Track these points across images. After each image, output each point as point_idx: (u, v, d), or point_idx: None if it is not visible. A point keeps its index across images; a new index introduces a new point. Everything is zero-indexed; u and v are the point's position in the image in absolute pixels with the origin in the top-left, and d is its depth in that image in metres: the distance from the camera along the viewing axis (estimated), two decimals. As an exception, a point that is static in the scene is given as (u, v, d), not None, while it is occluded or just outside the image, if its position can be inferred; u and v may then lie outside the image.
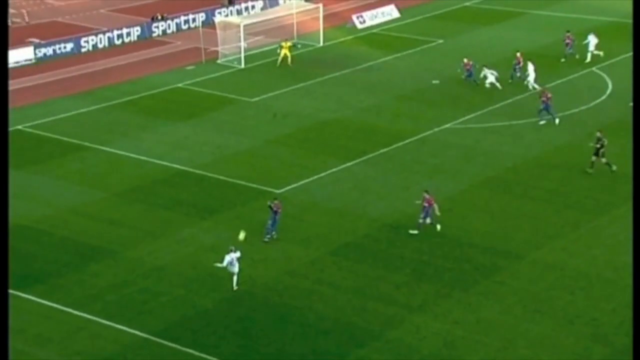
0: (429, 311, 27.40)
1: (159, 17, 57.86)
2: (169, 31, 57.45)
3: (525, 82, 45.63)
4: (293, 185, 36.02)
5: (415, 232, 31.45)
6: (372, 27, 58.57)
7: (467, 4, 63.90)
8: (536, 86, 44.92)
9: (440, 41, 55.43)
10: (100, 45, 54.18)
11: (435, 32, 56.95)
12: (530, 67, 45.64)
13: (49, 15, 59.51)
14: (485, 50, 52.69)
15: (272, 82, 48.26)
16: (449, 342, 25.85)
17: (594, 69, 49.10)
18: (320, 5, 55.68)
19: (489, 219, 33.15)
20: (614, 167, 35.90)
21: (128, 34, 55.74)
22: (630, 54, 50.91)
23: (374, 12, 60.04)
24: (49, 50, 52.28)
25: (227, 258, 28.14)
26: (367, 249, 31.04)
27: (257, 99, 46.04)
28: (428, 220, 31.39)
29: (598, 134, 36.44)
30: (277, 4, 61.38)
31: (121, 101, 45.70)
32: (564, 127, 41.41)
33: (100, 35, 54.50)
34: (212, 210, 33.84)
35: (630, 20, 58.04)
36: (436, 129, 41.44)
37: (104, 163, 38.30)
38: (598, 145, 36.03)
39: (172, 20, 57.86)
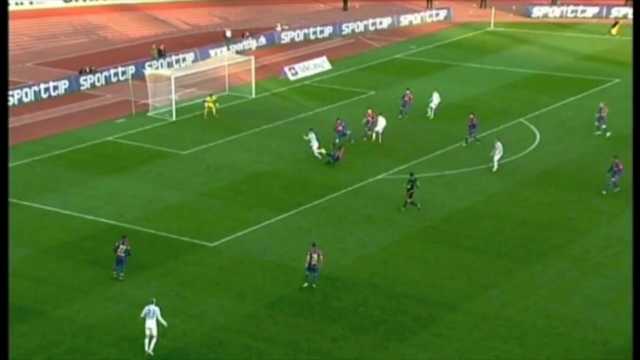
0: (366, 364, 27.44)
1: (88, 70, 57.61)
2: (98, 84, 57.20)
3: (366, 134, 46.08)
4: (227, 238, 35.93)
5: None
6: (304, 78, 59.34)
7: (398, 56, 65.29)
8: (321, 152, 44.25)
9: (372, 92, 56.42)
10: (26, 99, 53.59)
11: (367, 84, 57.97)
12: (381, 121, 46.10)
13: (-28, 68, 58.61)
14: (415, 102, 53.77)
15: (204, 134, 48.33)
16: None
17: (521, 119, 50.49)
18: (252, 58, 56.26)
19: (424, 269, 33.55)
20: (419, 206, 37.83)
21: (55, 87, 55.31)
22: (556, 105, 52.58)
23: (305, 64, 60.90)
24: (-28, 104, 51.40)
25: (145, 309, 27.57)
26: (303, 301, 31.04)
27: (189, 151, 46.01)
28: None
29: (411, 177, 38.28)
30: (208, 55, 61.79)
31: (48, 155, 45.15)
32: (496, 177, 42.37)
33: (26, 89, 53.95)
34: (143, 265, 33.49)
35: (554, 73, 60.14)
36: (370, 180, 41.96)
37: (30, 219, 37.64)
38: (409, 187, 37.86)
39: (101, 72, 57.66)
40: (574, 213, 38.20)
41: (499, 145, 42.36)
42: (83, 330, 29.10)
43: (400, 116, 48.58)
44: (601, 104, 47.37)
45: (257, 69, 56.44)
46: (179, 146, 46.52)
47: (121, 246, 32.09)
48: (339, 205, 39.27)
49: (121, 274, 32.10)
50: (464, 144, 45.60)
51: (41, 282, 32.14)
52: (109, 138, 47.84)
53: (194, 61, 61.32)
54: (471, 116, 46.06)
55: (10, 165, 43.57)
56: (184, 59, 61.95)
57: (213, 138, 47.67)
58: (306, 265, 31.47)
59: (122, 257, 32.08)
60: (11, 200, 39.19)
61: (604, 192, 39.65)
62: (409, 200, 38.09)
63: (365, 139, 46.35)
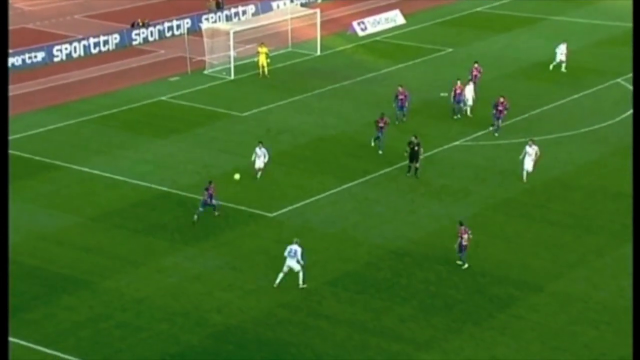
0: (438, 348, 27.40)
1: (140, 24, 58.20)
2: (150, 39, 57.77)
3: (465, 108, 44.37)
4: (288, 208, 36.10)
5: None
6: (374, 34, 58.93)
7: (479, 9, 64.31)
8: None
9: (450, 50, 55.75)
10: (74, 55, 54.47)
11: (445, 40, 57.29)
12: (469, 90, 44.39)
13: (18, 21, 59.83)
14: (498, 60, 52.98)
15: (265, 94, 48.49)
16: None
17: (619, 80, 49.34)
18: (318, 11, 56.05)
19: (504, 245, 33.23)
20: (417, 174, 37.77)
21: (106, 42, 56.05)
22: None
23: (376, 18, 60.42)
24: (17, 60, 52.54)
25: (287, 248, 29.86)
26: (369, 278, 31.07)
27: (248, 113, 46.24)
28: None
29: (413, 139, 37.77)
30: (270, 8, 61.82)
31: (98, 116, 45.87)
32: (587, 144, 41.58)
33: (75, 44, 54.80)
34: (198, 236, 33.90)
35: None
36: (445, 146, 41.59)
37: (78, 184, 38.38)
38: (408, 150, 37.61)
39: (154, 27, 58.20)
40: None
41: (531, 149, 37.25)
42: (133, 304, 29.68)
43: (397, 121, 43.31)
44: None
45: (322, 23, 56.24)
46: (238, 107, 46.79)
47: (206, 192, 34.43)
48: (408, 173, 39.03)
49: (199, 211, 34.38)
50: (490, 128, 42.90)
51: (89, 252, 32.83)
52: (163, 98, 48.38)
53: (254, 14, 61.44)
54: (501, 99, 41.87)
55: (56, 125, 44.48)
56: (243, 12, 62.10)
57: (274, 99, 47.79)
58: (456, 246, 31.29)
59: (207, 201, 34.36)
60: (58, 163, 40.04)
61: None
62: (413, 165, 37.82)
63: (458, 116, 44.44)
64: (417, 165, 38.08)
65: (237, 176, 35.92)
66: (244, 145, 42.17)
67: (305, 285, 30.13)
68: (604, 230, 34.08)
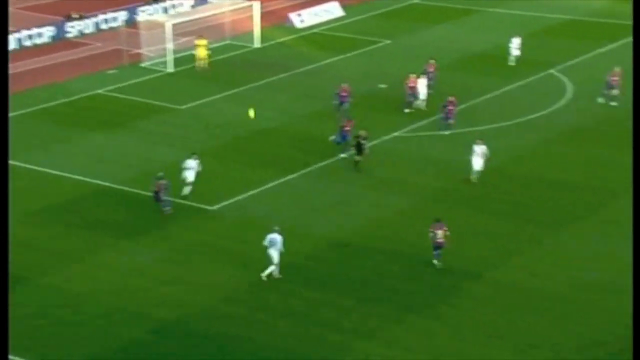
0: (379, 337, 27.54)
1: (75, 16, 57.32)
2: (86, 31, 56.97)
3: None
4: (229, 201, 35.94)
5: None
6: (313, 26, 58.91)
7: (416, 1, 64.72)
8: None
9: (388, 42, 56.00)
10: (8, 48, 53.41)
11: (382, 32, 57.53)
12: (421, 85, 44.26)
13: (-50, 14, 58.43)
14: (435, 52, 53.37)
15: (204, 87, 48.16)
16: (396, 371, 26.07)
17: (552, 71, 50.08)
18: (256, 3, 55.84)
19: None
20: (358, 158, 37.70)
21: (39, 35, 55.11)
22: (591, 54, 51.94)
23: (315, 9, 60.43)
24: (-50, 53, 51.37)
25: (268, 237, 29.80)
26: (311, 270, 31.09)
27: (187, 106, 45.89)
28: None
29: (361, 133, 37.70)
30: (207, 1, 61.36)
31: (34, 109, 45.12)
32: (524, 134, 42.12)
33: (8, 37, 53.75)
34: (138, 230, 33.57)
35: (590, 18, 59.46)
36: (384, 138, 41.78)
37: (15, 179, 37.68)
38: (355, 145, 37.43)
39: (90, 19, 57.38)
40: (607, 172, 38.01)
41: (478, 149, 36.75)
42: (72, 300, 29.28)
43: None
44: (617, 69, 44.75)
45: (262, 15, 56.03)
46: (176, 100, 46.40)
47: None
48: (349, 166, 39.14)
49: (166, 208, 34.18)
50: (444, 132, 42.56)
51: (26, 248, 32.29)
52: (99, 91, 47.75)
53: (192, 6, 60.92)
54: (450, 98, 41.80)
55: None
56: (181, 4, 61.53)
57: (213, 92, 47.50)
58: (432, 243, 30.96)
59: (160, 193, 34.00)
60: (-7, 159, 39.22)
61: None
62: (356, 159, 37.85)
63: (408, 110, 44.14)
64: (359, 158, 38.13)
65: (252, 113, 35.23)
66: (183, 138, 41.87)
67: (275, 275, 30.08)
68: (541, 219, 34.57)
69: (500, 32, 56.85)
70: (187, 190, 35.54)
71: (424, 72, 45.91)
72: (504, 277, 30.72)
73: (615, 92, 44.65)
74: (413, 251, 32.16)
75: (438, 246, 30.77)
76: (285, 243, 30.16)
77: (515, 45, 50.57)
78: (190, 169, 35.59)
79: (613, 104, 44.54)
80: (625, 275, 30.52)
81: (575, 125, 42.91)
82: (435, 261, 31.04)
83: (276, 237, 30.06)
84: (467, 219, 34.58)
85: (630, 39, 55.02)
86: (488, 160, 36.95)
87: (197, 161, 35.85)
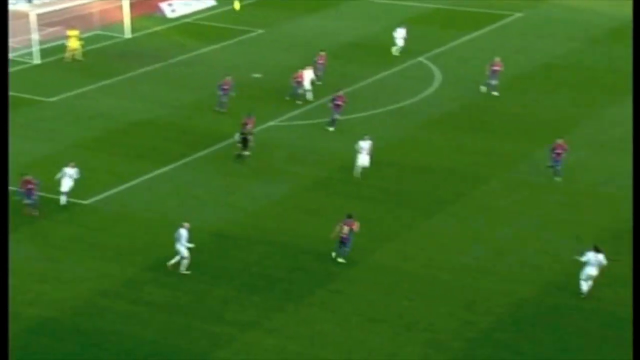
0: (261, 327, 27.56)
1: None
2: (-52, 22, 54.49)
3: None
4: (103, 195, 35.21)
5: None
6: (185, 16, 58.23)
7: (288, -10, 64.81)
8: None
9: (261, 31, 55.90)
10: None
11: (255, 21, 57.38)
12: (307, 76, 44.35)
13: None
14: (307, 41, 53.65)
15: (73, 79, 46.95)
16: (279, 359, 26.13)
17: (421, 58, 51.09)
18: (126, -8, 54.79)
19: (321, 223, 33.72)
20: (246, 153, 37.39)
21: None
22: (458, 41, 53.20)
23: (186, -1, 59.75)
24: None
25: (176, 234, 29.64)
26: (191, 262, 30.81)
27: (56, 98, 44.63)
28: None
29: (246, 128, 37.49)
30: (75, -10, 59.77)
31: None
32: (395, 121, 42.83)
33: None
34: (9, 227, 32.43)
35: (456, 7, 60.93)
36: (260, 127, 41.74)
37: None
38: (240, 140, 37.09)
39: (-48, 9, 54.91)
40: (476, 158, 39.08)
41: (365, 144, 36.51)
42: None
43: (218, 108, 42.89)
44: (497, 59, 45.63)
45: (131, 5, 54.96)
46: (45, 92, 45.06)
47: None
48: (227, 156, 38.96)
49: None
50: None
51: None
52: (-36, 84, 45.86)
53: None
54: (340, 93, 41.19)
55: None
56: (47, -6, 59.69)
57: (84, 83, 46.36)
58: (336, 237, 30.61)
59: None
60: None
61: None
62: (243, 153, 37.63)
63: (299, 102, 44.00)
64: (246, 152, 37.78)
65: (237, 5, 33.56)
66: (52, 132, 40.74)
67: (182, 270, 29.80)
68: (413, 204, 35.24)
69: (369, 21, 57.63)
70: (63, 199, 34.27)
71: (314, 63, 45.82)
72: (381, 262, 31.21)
73: (494, 82, 45.22)
74: (291, 240, 32.28)
75: (342, 241, 30.74)
76: (189, 239, 29.80)
77: (400, 35, 51.15)
78: (67, 176, 34.22)
79: (495, 93, 45.35)
80: (496, 257, 31.53)
81: (443, 112, 43.90)
82: (334, 253, 30.91)
83: (181, 232, 29.70)
84: (343, 206, 34.93)
85: (495, 25, 56.72)
86: (372, 156, 37.03)
87: (75, 169, 34.48)
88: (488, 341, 26.97)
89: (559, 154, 36.30)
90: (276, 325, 27.67)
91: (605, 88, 46.09)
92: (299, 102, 44.23)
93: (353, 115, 43.13)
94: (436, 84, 47.59)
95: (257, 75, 47.55)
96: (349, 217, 30.94)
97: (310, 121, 42.74)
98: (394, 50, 50.90)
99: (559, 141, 36.38)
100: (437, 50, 52.19)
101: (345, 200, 35.39)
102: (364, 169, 36.90)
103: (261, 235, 32.50)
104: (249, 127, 38.60)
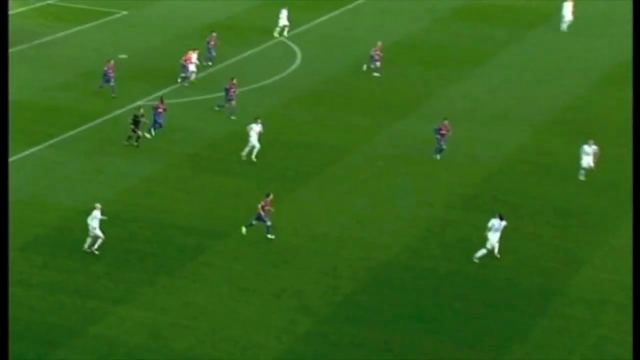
0: (133, 301, 27.10)
1: None
2: None
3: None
4: (-30, 178, 33.62)
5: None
6: (47, -3, 56.09)
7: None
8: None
9: (125, 12, 54.48)
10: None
11: (119, 3, 55.83)
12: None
13: None
14: (170, 22, 52.71)
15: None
16: (155, 331, 25.77)
17: (283, 38, 51.00)
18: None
19: (191, 198, 33.41)
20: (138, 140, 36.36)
21: None
22: (318, 20, 53.30)
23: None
24: None
25: (93, 213, 28.86)
26: (61, 240, 29.93)
27: None
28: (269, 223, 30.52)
29: (139, 112, 36.63)
30: None
31: None
32: (257, 99, 42.65)
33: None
34: None
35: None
36: (129, 107, 40.79)
37: None
38: (134, 121, 36.15)
39: None
40: (337, 132, 39.42)
41: (256, 126, 35.92)
42: None
43: (113, 94, 41.30)
44: (379, 43, 45.56)
45: (-7, -13, 52.41)
46: None
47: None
48: (96, 136, 37.96)
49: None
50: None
51: None
52: None
53: None
54: (234, 81, 40.21)
55: None
56: None
57: (-54, 66, 43.98)
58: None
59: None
60: None
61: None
62: (136, 134, 36.62)
63: (185, 84, 42.92)
64: (140, 133, 36.69)
65: None
66: None
67: (97, 252, 28.97)
68: (279, 178, 35.27)
69: (232, 2, 57.04)
70: None
71: (206, 44, 45.13)
72: (249, 234, 31.13)
73: (377, 64, 45.05)
74: (161, 216, 31.81)
75: (258, 217, 30.46)
76: (101, 220, 29.09)
77: (283, 16, 50.62)
78: None
79: (376, 74, 45.30)
80: (357, 225, 31.95)
81: (306, 90, 44.03)
82: (244, 228, 30.68)
83: (94, 213, 29.05)
84: (212, 182, 34.66)
85: (357, 3, 57.10)
86: (261, 137, 36.44)
87: None
88: (351, 304, 27.40)
89: (443, 135, 36.21)
90: (148, 298, 27.28)
91: (452, 64, 47.22)
92: (185, 84, 43.30)
93: (219, 94, 42.68)
94: (297, 62, 47.64)
95: (123, 56, 46.35)
96: (267, 195, 30.65)
97: (178, 100, 42.05)
98: (277, 32, 50.55)
99: (445, 122, 36.37)
100: (297, 30, 52.18)
101: (213, 176, 35.11)
102: (253, 149, 36.10)
103: (132, 212, 31.87)
104: (159, 110, 37.54)
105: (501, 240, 29.44)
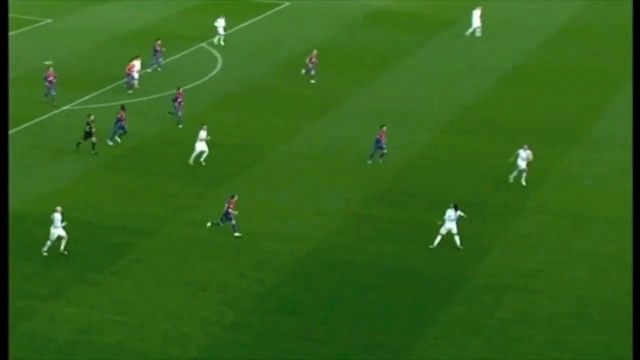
0: (63, 298, 26.77)
1: None
2: None
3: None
4: None
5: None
6: (-27, 5, 54.50)
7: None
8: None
9: (49, 20, 53.47)
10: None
11: (42, 11, 54.77)
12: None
13: None
14: (94, 31, 52.01)
15: None
16: (85, 327, 25.52)
17: (203, 44, 50.82)
18: None
19: (118, 198, 33.11)
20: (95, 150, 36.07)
21: None
22: (238, 27, 53.25)
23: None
24: None
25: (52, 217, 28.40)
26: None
27: None
28: (234, 222, 30.36)
29: (89, 118, 36.10)
30: None
31: None
32: (183, 102, 42.38)
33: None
34: None
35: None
36: (56, 111, 40.13)
37: None
38: (87, 129, 35.72)
39: None
40: (257, 133, 39.55)
41: (202, 133, 35.47)
42: None
43: (54, 102, 40.61)
44: (315, 51, 45.34)
45: None
46: None
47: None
48: (25, 139, 37.25)
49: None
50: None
51: None
52: None
53: None
54: (180, 90, 39.86)
55: None
56: None
57: None
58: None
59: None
60: None
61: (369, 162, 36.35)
62: (90, 141, 36.08)
63: (130, 91, 42.49)
64: (94, 140, 35.90)
65: None
66: None
67: (66, 252, 28.68)
68: (203, 177, 35.22)
69: (156, 10, 56.53)
70: None
71: (154, 51, 44.87)
72: (176, 231, 31.07)
73: (312, 72, 44.92)
74: (91, 216, 31.47)
75: (225, 217, 30.39)
76: (63, 221, 28.60)
77: (220, 25, 50.23)
78: None
79: (312, 81, 45.02)
80: (278, 221, 32.18)
81: (227, 93, 44.01)
82: (209, 223, 30.72)
83: (55, 216, 28.48)
84: (139, 182, 34.41)
85: (267, 13, 57.24)
86: (209, 143, 35.94)
87: None
88: (275, 296, 27.63)
89: (380, 141, 35.74)
90: (78, 295, 26.99)
91: (364, 67, 47.84)
92: (130, 92, 42.74)
93: (144, 98, 42.37)
94: (219, 67, 47.57)
95: (48, 62, 45.50)
96: (232, 196, 30.58)
97: (101, 105, 41.56)
98: (216, 40, 50.17)
99: (383, 129, 35.96)
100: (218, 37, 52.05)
101: (139, 177, 34.87)
102: (202, 153, 35.75)
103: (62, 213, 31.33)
104: (122, 119, 36.93)
105: (458, 228, 29.87)
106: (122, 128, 37.20)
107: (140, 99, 42.25)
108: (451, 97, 44.05)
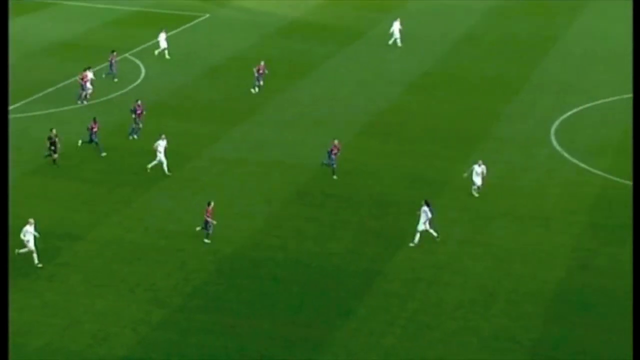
0: (-6, 304, 25.59)
1: None
2: None
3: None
4: None
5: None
6: None
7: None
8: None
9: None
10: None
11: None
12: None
13: None
14: (19, 42, 50.35)
15: None
16: (14, 330, 24.55)
17: (127, 55, 49.72)
18: None
19: (46, 204, 32.05)
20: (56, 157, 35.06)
21: None
22: (156, 40, 52.36)
23: None
24: None
25: (24, 231, 27.45)
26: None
27: None
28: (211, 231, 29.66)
29: (52, 132, 35.08)
30: None
31: None
32: (105, 111, 41.39)
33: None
34: None
35: (155, 10, 59.96)
36: (-20, 121, 38.48)
37: None
38: (50, 145, 34.69)
39: None
40: (181, 139, 38.78)
41: (162, 142, 34.81)
42: None
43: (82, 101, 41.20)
44: (262, 63, 44.47)
45: None
46: None
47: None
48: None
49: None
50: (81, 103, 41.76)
51: None
52: None
53: None
54: (139, 102, 38.75)
55: None
56: None
57: None
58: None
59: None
60: None
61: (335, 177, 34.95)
62: (52, 157, 34.83)
63: (84, 102, 41.31)
64: (56, 156, 34.64)
65: None
66: None
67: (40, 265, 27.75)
68: (130, 183, 34.37)
69: (75, 22, 55.12)
70: None
71: (110, 62, 43.97)
72: (103, 235, 30.20)
73: (260, 82, 43.98)
74: (18, 222, 30.19)
75: (205, 224, 29.76)
76: (32, 234, 27.66)
77: (162, 38, 49.02)
78: None
79: (253, 90, 43.90)
80: (202, 222, 31.59)
81: (152, 102, 43.07)
82: (198, 227, 30.04)
83: (27, 228, 27.51)
84: (67, 188, 33.35)
85: (189, 24, 56.45)
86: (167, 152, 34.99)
87: None
88: (201, 293, 27.13)
89: (335, 154, 34.92)
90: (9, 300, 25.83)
91: (280, 76, 47.54)
92: (79, 103, 41.24)
93: (69, 107, 41.11)
94: (142, 77, 46.58)
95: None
96: (209, 204, 29.90)
97: (31, 113, 40.15)
98: (157, 52, 49.02)
99: (335, 142, 35.17)
100: (140, 48, 51.03)
101: (68, 183, 33.81)
102: (162, 163, 34.84)
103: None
104: (94, 130, 36.12)
105: (433, 224, 29.78)
106: (92, 139, 36.26)
107: (65, 107, 40.97)
108: (363, 103, 44.21)
